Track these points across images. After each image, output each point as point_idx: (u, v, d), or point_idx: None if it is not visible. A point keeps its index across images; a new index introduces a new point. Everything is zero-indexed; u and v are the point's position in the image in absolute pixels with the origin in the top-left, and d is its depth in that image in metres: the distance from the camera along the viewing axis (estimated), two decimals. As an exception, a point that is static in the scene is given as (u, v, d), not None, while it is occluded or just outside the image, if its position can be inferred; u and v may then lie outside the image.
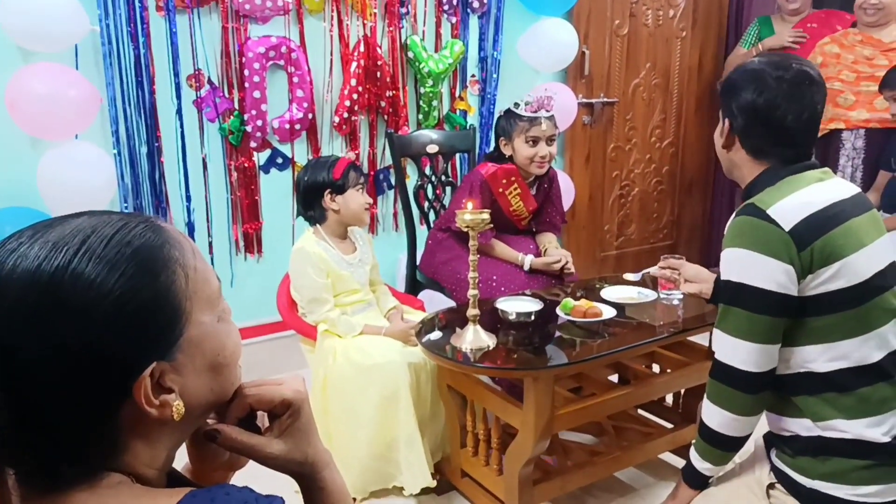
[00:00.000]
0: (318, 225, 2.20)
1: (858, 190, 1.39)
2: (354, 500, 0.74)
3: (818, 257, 1.25)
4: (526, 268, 2.45)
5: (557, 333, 1.96)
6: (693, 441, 1.44)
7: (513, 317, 1.99)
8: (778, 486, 1.36)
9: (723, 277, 1.34)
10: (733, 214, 1.37)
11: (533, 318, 2.00)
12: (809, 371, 1.30)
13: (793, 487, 1.32)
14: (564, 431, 2.18)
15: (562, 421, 1.84)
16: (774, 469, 1.37)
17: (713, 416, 1.36)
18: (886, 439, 1.26)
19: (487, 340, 1.84)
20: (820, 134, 2.84)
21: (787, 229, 1.25)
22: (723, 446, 1.38)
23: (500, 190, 2.50)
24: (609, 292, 2.15)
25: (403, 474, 2.04)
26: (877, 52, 2.96)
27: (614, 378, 2.44)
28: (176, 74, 2.58)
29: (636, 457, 2.12)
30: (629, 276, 2.22)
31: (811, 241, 1.24)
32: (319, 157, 2.47)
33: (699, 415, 1.41)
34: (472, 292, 1.84)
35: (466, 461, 2.07)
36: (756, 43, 3.54)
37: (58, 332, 0.55)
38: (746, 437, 1.38)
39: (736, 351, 1.31)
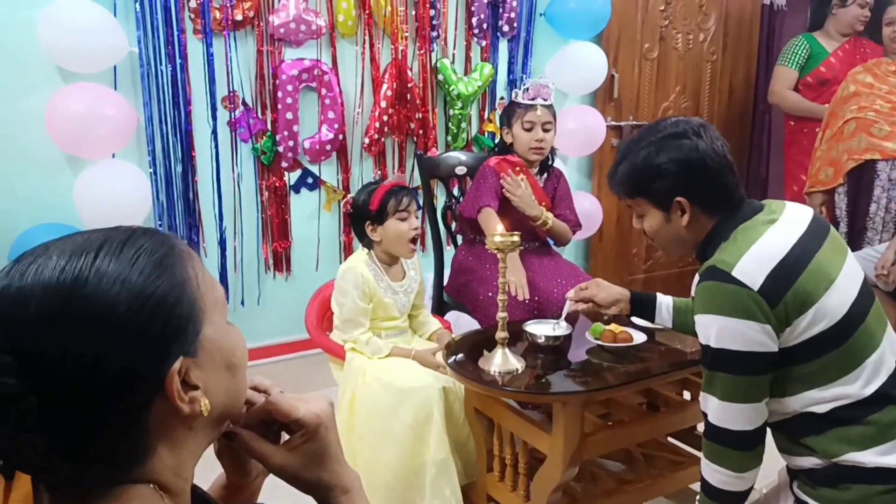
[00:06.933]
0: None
1: (811, 216, 1.38)
2: None
3: (792, 308, 1.23)
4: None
5: (587, 358, 1.94)
6: (697, 498, 1.43)
7: (541, 340, 1.97)
8: None
9: (702, 342, 1.34)
10: (697, 277, 1.35)
11: (561, 341, 1.98)
12: (812, 412, 1.29)
13: None
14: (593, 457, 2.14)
15: (591, 447, 1.81)
16: (797, 501, 1.35)
17: (713, 474, 1.36)
18: None
19: (516, 364, 1.82)
20: (854, 164, 2.86)
21: (755, 289, 1.23)
22: (727, 502, 1.37)
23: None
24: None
25: (428, 500, 2.01)
26: (911, 81, 2.91)
27: (643, 403, 2.40)
28: (211, 95, 2.63)
29: (666, 486, 2.07)
30: (558, 322, 2.00)
31: (781, 294, 1.23)
32: (369, 183, 2.31)
33: (700, 473, 1.40)
34: (500, 315, 1.83)
35: (492, 486, 2.04)
36: (804, 63, 3.47)
37: (86, 334, 0.56)
38: (749, 490, 1.37)
39: (727, 413, 1.31)
